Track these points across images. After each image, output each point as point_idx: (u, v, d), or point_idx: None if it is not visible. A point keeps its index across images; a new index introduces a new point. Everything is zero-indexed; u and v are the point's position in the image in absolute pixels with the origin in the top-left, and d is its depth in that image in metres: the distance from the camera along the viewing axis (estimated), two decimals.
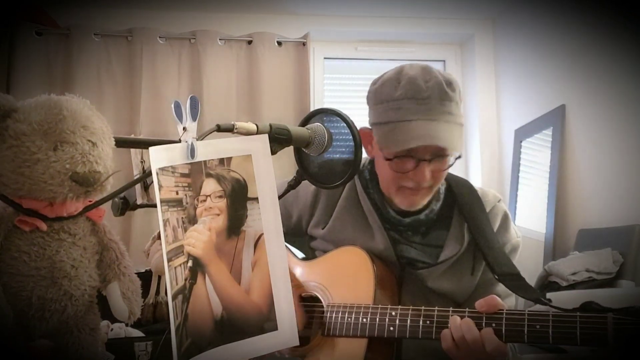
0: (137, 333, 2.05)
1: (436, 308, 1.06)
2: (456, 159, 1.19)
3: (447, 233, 1.25)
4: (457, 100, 1.18)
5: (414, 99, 1.13)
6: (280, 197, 0.86)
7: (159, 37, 3.10)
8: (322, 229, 1.32)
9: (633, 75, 2.19)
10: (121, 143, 0.93)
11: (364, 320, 1.11)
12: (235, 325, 0.77)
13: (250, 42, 3.17)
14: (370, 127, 1.24)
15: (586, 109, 2.49)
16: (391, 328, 1.08)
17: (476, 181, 3.26)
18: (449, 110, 1.15)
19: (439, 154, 1.16)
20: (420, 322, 1.06)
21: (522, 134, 2.99)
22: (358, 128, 0.99)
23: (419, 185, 1.18)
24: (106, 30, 3.07)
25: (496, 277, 1.17)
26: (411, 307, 1.09)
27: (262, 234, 0.80)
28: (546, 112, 2.76)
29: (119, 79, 3.05)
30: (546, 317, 0.94)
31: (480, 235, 1.21)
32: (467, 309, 1.03)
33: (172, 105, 0.76)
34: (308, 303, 1.24)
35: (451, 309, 1.05)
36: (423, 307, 1.07)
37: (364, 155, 1.30)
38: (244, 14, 3.22)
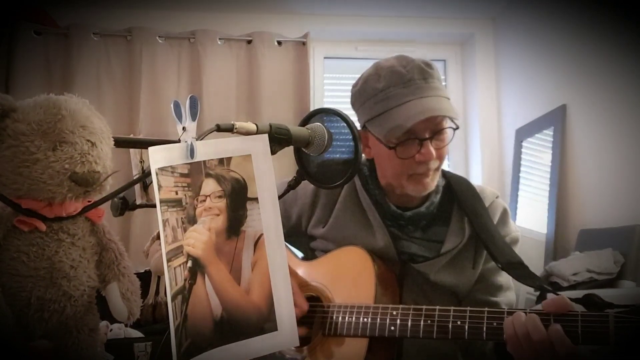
0: (136, 334, 2.04)
1: (437, 307, 1.05)
2: (454, 130, 1.21)
3: (447, 229, 1.26)
4: (438, 77, 1.21)
5: (399, 85, 1.17)
6: (280, 197, 0.86)
7: (159, 36, 3.09)
8: (322, 227, 1.32)
9: (634, 75, 2.19)
10: (120, 143, 0.92)
11: (365, 320, 1.10)
12: (235, 325, 0.77)
13: (250, 42, 3.17)
14: (362, 128, 1.25)
15: (587, 109, 2.49)
16: (392, 328, 1.08)
17: (477, 181, 3.25)
18: (434, 86, 1.18)
19: (437, 130, 1.19)
20: (422, 322, 1.05)
21: (523, 133, 2.99)
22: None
23: (427, 167, 1.20)
24: (105, 29, 3.06)
25: (500, 266, 1.17)
26: (412, 306, 1.09)
27: (262, 234, 0.80)
28: (547, 112, 2.75)
29: (118, 79, 3.04)
30: (547, 317, 0.93)
31: (481, 227, 1.22)
32: (468, 308, 1.03)
33: (172, 105, 0.75)
34: (309, 302, 1.23)
35: (452, 307, 1.04)
36: (424, 307, 1.07)
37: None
38: (243, 13, 3.21)
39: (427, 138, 1.17)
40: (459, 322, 1.02)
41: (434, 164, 1.20)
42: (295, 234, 1.40)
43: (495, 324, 0.98)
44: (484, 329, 0.99)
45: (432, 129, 1.18)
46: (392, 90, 1.17)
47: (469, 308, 1.02)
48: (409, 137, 1.17)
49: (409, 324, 1.06)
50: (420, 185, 1.22)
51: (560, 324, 0.90)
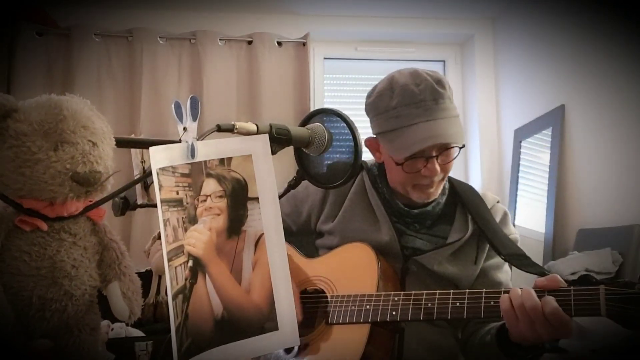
0: (137, 333, 2.05)
1: (437, 291, 1.09)
2: (460, 148, 1.25)
3: (451, 227, 1.31)
4: (449, 95, 1.24)
5: (410, 105, 1.20)
6: (280, 197, 0.86)
7: (159, 37, 3.10)
8: (331, 222, 1.36)
9: (633, 75, 2.19)
10: (122, 143, 0.93)
11: (368, 307, 1.13)
12: (236, 325, 0.77)
13: (250, 43, 3.17)
14: (374, 136, 1.30)
15: (586, 109, 2.49)
16: (394, 312, 1.10)
17: (476, 181, 3.26)
18: (443, 107, 1.21)
19: (444, 149, 1.23)
20: (422, 305, 1.08)
21: (522, 134, 2.99)
22: (363, 139, 1.01)
23: (432, 180, 1.25)
24: (106, 30, 3.07)
25: (503, 257, 1.23)
26: (413, 292, 1.12)
27: (263, 233, 0.80)
28: (546, 112, 2.76)
29: (119, 79, 3.05)
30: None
31: (484, 223, 1.27)
32: (467, 290, 1.06)
33: (173, 105, 0.76)
34: (313, 295, 1.25)
35: (452, 291, 1.07)
36: (425, 292, 1.10)
37: (370, 157, 1.35)
38: (244, 14, 3.22)
39: (433, 156, 1.22)
40: (458, 304, 1.05)
41: (438, 177, 1.25)
42: (305, 231, 1.43)
43: (492, 302, 1.02)
44: (482, 307, 1.03)
45: (439, 148, 1.22)
46: (402, 110, 1.20)
47: (467, 290, 1.06)
48: (417, 155, 1.21)
49: (410, 307, 1.09)
50: (424, 194, 1.28)
51: (554, 298, 0.94)
